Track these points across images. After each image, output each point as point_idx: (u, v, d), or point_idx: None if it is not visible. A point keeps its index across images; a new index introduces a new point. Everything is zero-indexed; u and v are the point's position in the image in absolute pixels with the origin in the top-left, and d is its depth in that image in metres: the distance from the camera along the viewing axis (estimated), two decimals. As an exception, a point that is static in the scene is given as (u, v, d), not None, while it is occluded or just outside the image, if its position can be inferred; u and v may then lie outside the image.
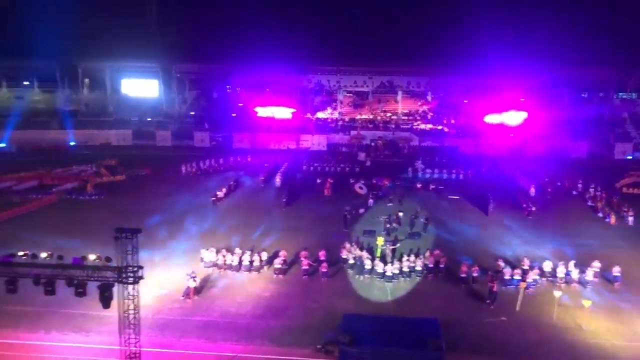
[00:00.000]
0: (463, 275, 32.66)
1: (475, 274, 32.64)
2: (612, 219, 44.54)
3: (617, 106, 80.00)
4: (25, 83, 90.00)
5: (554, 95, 78.91)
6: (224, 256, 34.10)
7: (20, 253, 22.89)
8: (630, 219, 44.16)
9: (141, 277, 21.09)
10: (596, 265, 33.38)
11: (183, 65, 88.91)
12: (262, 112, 79.64)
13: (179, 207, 47.05)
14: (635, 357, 26.00)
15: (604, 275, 33.44)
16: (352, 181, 54.77)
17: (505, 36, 74.46)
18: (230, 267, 33.87)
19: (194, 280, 30.67)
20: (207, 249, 34.68)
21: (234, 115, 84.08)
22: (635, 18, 78.15)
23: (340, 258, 35.00)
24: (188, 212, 45.57)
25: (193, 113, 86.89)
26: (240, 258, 34.05)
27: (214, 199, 48.34)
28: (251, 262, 33.90)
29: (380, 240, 36.35)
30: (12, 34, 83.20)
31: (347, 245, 36.27)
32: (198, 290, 30.89)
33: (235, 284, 32.51)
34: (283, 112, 79.44)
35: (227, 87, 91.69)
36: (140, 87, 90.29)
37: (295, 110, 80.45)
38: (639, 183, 55.39)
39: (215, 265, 34.02)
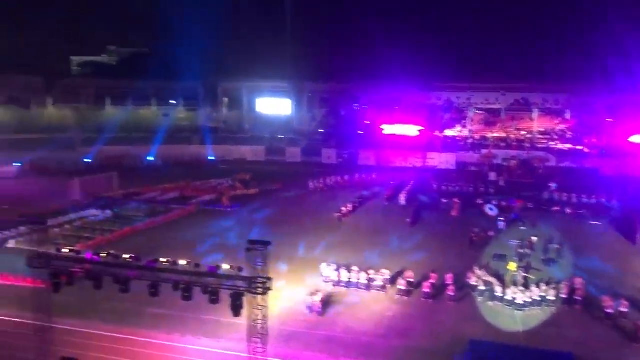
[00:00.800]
0: (609, 310, 29.63)
1: (623, 309, 29.68)
2: None
3: None
4: (172, 102, 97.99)
5: None
6: (349, 272, 34.28)
7: (163, 259, 24.71)
8: None
9: (269, 289, 21.84)
10: None
11: (314, 84, 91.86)
12: (389, 129, 79.61)
13: (305, 221, 48.31)
14: None
15: None
16: (481, 202, 52.75)
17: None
18: (352, 284, 33.92)
19: (318, 295, 31.16)
20: (328, 265, 35.01)
21: (360, 132, 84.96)
22: None
23: (468, 283, 33.72)
24: (314, 226, 46.63)
25: (322, 130, 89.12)
26: (368, 276, 34.00)
27: (339, 214, 49.01)
28: (373, 280, 33.76)
29: (512, 266, 34.48)
30: (161, 58, 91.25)
31: (476, 270, 34.88)
32: (322, 305, 31.29)
33: (358, 301, 32.52)
34: (410, 130, 78.80)
35: (355, 105, 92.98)
36: (274, 105, 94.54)
37: (422, 128, 79.49)
38: None
39: (336, 281, 34.21)
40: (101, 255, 25.16)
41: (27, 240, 34.43)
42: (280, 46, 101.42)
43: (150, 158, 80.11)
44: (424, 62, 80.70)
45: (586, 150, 73.62)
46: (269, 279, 21.63)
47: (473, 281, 33.38)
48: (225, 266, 23.45)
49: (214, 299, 22.12)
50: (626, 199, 54.22)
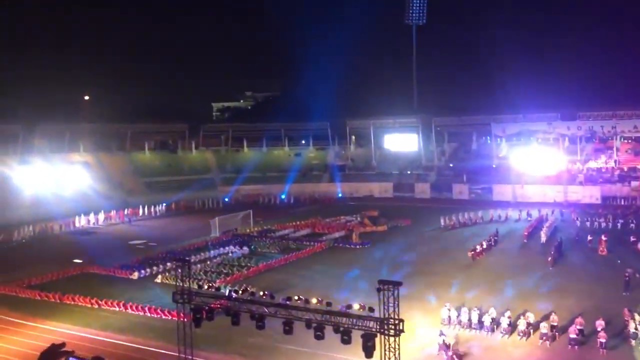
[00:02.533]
0: None
1: None
2: None
3: None
4: (302, 142, 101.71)
5: None
6: (483, 314, 32.46)
7: (295, 297, 25.20)
8: None
9: (402, 330, 21.30)
10: None
11: (441, 118, 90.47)
12: (524, 163, 75.68)
13: (436, 259, 46.92)
14: None
15: None
16: (633, 239, 47.91)
17: None
18: (486, 327, 31.99)
19: (445, 338, 29.73)
20: (447, 306, 33.23)
21: (494, 166, 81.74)
22: None
23: (620, 329, 30.44)
24: (446, 265, 45.10)
25: (452, 165, 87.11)
26: (508, 319, 31.97)
27: (472, 253, 47.00)
28: (514, 323, 31.62)
29: None
30: (292, 100, 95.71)
31: (627, 312, 31.47)
32: (454, 350, 29.84)
33: (496, 347, 30.58)
34: (548, 163, 74.32)
35: (487, 138, 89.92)
36: (401, 141, 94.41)
37: (563, 160, 74.72)
38: None
39: (467, 324, 32.35)
40: (239, 292, 26.24)
41: (172, 276, 37.11)
42: (406, 82, 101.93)
43: (283, 196, 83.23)
44: (561, 90, 76.50)
45: None
46: (401, 320, 21.12)
47: (631, 327, 30.00)
48: (356, 306, 23.32)
49: (346, 339, 21.99)
50: None
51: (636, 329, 29.76)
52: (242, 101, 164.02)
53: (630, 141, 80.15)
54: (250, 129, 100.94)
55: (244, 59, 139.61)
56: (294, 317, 23.43)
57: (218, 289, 34.17)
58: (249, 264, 46.01)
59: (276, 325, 24.73)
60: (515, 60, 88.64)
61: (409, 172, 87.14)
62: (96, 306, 36.61)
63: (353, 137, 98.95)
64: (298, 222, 62.63)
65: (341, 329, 22.06)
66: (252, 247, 52.65)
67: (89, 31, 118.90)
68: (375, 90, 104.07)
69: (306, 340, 26.05)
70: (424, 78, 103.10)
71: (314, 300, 31.03)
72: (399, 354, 21.48)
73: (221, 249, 51.36)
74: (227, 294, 31.51)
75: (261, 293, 33.90)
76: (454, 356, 28.78)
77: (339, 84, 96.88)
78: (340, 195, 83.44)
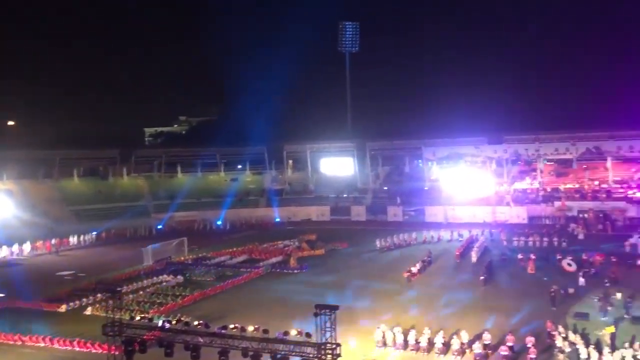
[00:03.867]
0: None
1: None
2: None
3: None
4: (239, 167, 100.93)
5: None
6: (418, 335, 32.94)
7: (231, 325, 24.76)
8: None
9: (339, 355, 21.31)
10: None
11: (375, 142, 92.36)
12: (454, 185, 78.20)
13: (373, 281, 47.37)
14: None
15: None
16: (559, 257, 50.21)
17: None
18: (418, 348, 32.45)
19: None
20: (381, 328, 33.51)
21: (426, 188, 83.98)
22: None
23: (549, 345, 31.66)
24: (383, 286, 45.62)
25: (386, 188, 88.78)
26: (442, 339, 32.56)
27: (408, 274, 47.82)
28: (448, 343, 32.26)
29: (610, 329, 32.10)
30: (228, 125, 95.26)
31: (550, 324, 32.95)
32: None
33: (432, 365, 31.10)
34: (477, 185, 77.08)
35: (419, 161, 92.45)
36: (337, 165, 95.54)
37: (490, 182, 77.71)
38: None
39: (393, 345, 32.62)
40: (172, 322, 25.51)
41: (103, 307, 35.61)
42: (342, 107, 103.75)
43: (219, 222, 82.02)
44: (487, 115, 79.96)
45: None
46: (338, 344, 21.14)
47: (557, 342, 31.25)
48: (294, 332, 23.17)
49: (284, 366, 21.78)
50: None
51: (562, 344, 31.03)
52: (176, 126, 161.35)
53: (552, 163, 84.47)
54: (184, 154, 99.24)
55: (178, 83, 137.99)
56: (230, 346, 23.00)
57: (151, 319, 33.10)
58: (183, 293, 44.82)
59: (212, 355, 24.17)
60: (445, 87, 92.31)
61: (345, 196, 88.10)
62: (19, 343, 34.51)
63: (290, 162, 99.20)
64: (235, 249, 61.79)
65: (278, 356, 21.85)
66: (187, 275, 51.40)
67: (14, 55, 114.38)
68: (312, 115, 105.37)
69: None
70: (358, 103, 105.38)
71: (250, 328, 30.54)
72: (338, 378, 21.46)
73: (154, 278, 49.88)
74: (160, 324, 30.53)
75: (196, 322, 33.05)
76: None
77: (275, 109, 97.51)
78: (277, 219, 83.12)
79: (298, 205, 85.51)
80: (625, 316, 35.80)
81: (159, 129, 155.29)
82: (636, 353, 29.33)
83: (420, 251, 56.75)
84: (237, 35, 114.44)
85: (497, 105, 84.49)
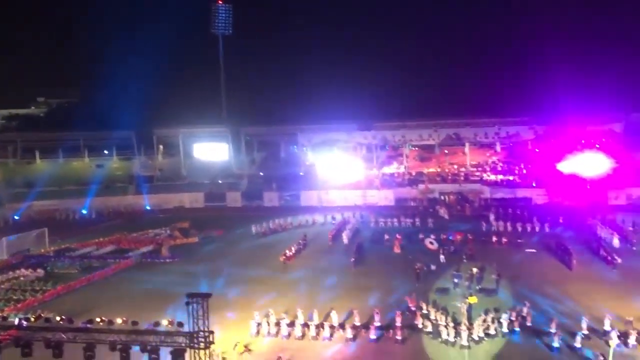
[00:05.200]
0: (555, 345, 30.25)
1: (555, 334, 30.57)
2: None
3: None
4: (105, 152, 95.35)
5: (632, 140, 75.14)
6: (292, 319, 33.58)
7: (98, 319, 23.53)
8: None
9: (212, 342, 21.10)
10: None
11: (251, 127, 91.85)
12: (328, 170, 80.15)
13: (249, 267, 47.41)
14: None
15: None
16: (422, 236, 53.57)
17: (577, 81, 72.48)
18: (296, 330, 33.19)
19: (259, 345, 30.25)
20: (256, 315, 34.04)
21: (301, 174, 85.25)
22: None
23: (414, 319, 33.82)
24: (258, 272, 45.83)
25: (262, 173, 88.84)
26: (314, 322, 33.45)
27: (283, 258, 48.47)
28: (321, 325, 33.25)
29: (472, 299, 34.84)
30: (92, 108, 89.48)
31: (410, 299, 35.49)
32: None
33: (306, 347, 31.87)
34: (349, 170, 79.58)
35: (294, 146, 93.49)
36: (211, 150, 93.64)
37: (361, 167, 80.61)
38: None
39: (276, 330, 33.21)
40: (31, 319, 23.69)
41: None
42: (215, 91, 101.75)
43: (84, 211, 77.24)
44: (358, 102, 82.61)
45: (517, 180, 76.54)
46: (211, 332, 20.90)
47: (419, 323, 33.38)
48: (165, 322, 22.54)
49: (155, 357, 21.10)
50: (559, 226, 56.52)
51: (423, 322, 33.27)
52: (33, 108, 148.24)
53: (416, 149, 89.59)
54: (43, 139, 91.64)
55: (35, 62, 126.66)
56: (97, 340, 21.84)
57: (6, 318, 30.48)
58: (44, 288, 41.77)
59: (78, 351, 22.82)
60: (318, 73, 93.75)
61: (220, 182, 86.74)
62: None
63: (161, 147, 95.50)
64: (101, 239, 58.58)
65: (148, 347, 21.13)
66: (48, 268, 47.97)
67: None
68: (184, 99, 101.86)
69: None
70: (233, 88, 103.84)
71: (118, 321, 29.20)
72: (209, 366, 21.25)
73: (10, 273, 45.92)
74: (16, 322, 28.19)
75: (58, 318, 30.94)
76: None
77: (144, 92, 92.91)
78: (148, 207, 79.89)
79: (170, 192, 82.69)
80: (477, 287, 39.16)
81: (14, 111, 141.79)
82: (489, 323, 32.27)
83: (295, 235, 57.63)
84: (102, 11, 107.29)
85: (368, 94, 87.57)
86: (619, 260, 43.50)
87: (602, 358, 27.85)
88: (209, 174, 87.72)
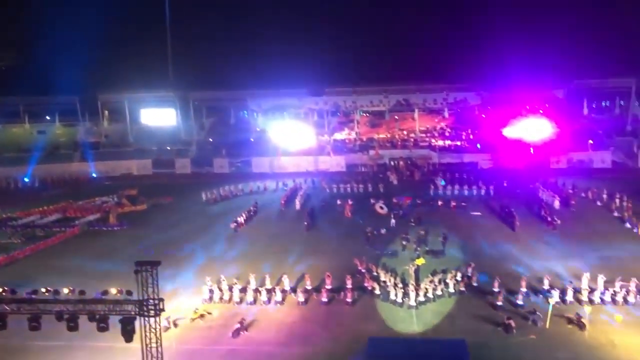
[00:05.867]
0: (498, 303, 31.65)
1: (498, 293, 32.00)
2: (640, 229, 43.49)
3: (638, 114, 78.42)
4: (47, 118, 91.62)
5: (573, 106, 77.80)
6: (244, 284, 33.77)
7: (43, 289, 23.00)
8: (660, 228, 43.11)
9: (162, 310, 21.00)
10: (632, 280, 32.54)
11: (199, 92, 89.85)
12: (280, 136, 79.68)
13: (199, 234, 47.10)
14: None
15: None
16: (372, 201, 54.36)
17: (521, 49, 73.89)
18: (250, 296, 33.46)
19: (214, 312, 30.41)
20: (208, 281, 34.09)
21: (252, 140, 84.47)
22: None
23: (363, 281, 34.61)
24: (209, 239, 45.62)
25: (211, 140, 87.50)
26: (266, 287, 33.76)
27: (234, 225, 48.34)
28: (272, 290, 33.60)
29: (420, 261, 35.82)
30: (32, 71, 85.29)
31: (358, 261, 36.33)
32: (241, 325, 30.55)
33: (258, 310, 32.22)
34: (300, 136, 79.29)
35: (245, 112, 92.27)
36: (159, 116, 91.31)
37: (312, 133, 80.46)
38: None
39: (220, 299, 33.39)
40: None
41: None
42: (162, 55, 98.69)
43: (26, 179, 74.41)
44: (309, 68, 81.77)
45: (465, 145, 78.27)
46: (161, 299, 20.78)
47: (369, 284, 34.18)
48: (113, 290, 22.25)
49: (103, 326, 20.86)
50: (503, 189, 58.37)
51: (372, 284, 34.08)
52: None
53: (367, 115, 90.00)
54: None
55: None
56: (42, 310, 21.36)
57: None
58: (-15, 259, 40.38)
59: (23, 323, 22.31)
60: (268, 38, 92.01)
61: (168, 148, 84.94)
62: None
63: (106, 112, 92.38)
64: (46, 207, 56.74)
65: (97, 316, 20.84)
66: (-12, 238, 46.34)
67: None
68: (130, 63, 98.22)
69: (60, 334, 23.97)
70: (180, 52, 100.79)
71: (65, 291, 28.68)
72: (160, 333, 21.18)
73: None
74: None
75: (0, 290, 30.06)
76: (236, 330, 29.29)
77: (88, 55, 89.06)
78: (94, 175, 77.64)
79: (117, 159, 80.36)
80: (425, 250, 40.30)
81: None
82: (436, 283, 33.38)
83: (246, 202, 57.37)
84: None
85: (319, 59, 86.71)
86: (559, 222, 45.51)
87: (540, 315, 29.41)
88: (156, 141, 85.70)
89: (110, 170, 77.88)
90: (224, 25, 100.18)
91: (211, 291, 33.48)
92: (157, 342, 21.19)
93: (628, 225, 45.21)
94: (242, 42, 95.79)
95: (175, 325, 29.77)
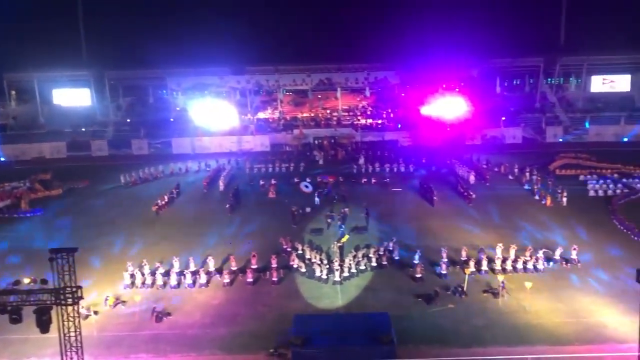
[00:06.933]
0: (417, 275, 32.91)
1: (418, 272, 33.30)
2: (548, 201, 46.32)
3: (547, 92, 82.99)
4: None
5: (487, 85, 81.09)
6: (166, 268, 33.23)
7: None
8: (564, 200, 46.07)
9: (81, 297, 20.31)
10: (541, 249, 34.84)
11: (115, 71, 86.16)
12: (201, 115, 78.02)
13: (119, 218, 45.61)
14: (575, 332, 27.13)
15: (552, 258, 34.82)
16: (296, 180, 54.59)
17: (438, 29, 75.90)
18: (173, 279, 33.00)
19: (137, 296, 29.82)
20: (129, 267, 33.39)
21: (172, 120, 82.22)
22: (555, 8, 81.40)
23: (289, 263, 34.91)
24: (130, 223, 44.29)
25: (129, 120, 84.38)
26: (193, 270, 33.38)
27: (155, 207, 47.13)
28: (197, 272, 33.26)
29: (345, 238, 36.45)
30: None
31: (299, 246, 36.58)
32: (146, 304, 29.97)
33: (183, 293, 31.84)
34: (222, 115, 78.01)
35: (164, 91, 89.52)
36: (72, 96, 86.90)
37: (235, 112, 79.37)
38: (571, 164, 57.72)
39: (142, 283, 32.75)
40: None
41: None
42: (74, 31, 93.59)
43: None
44: (231, 46, 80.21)
45: (386, 123, 79.88)
46: (79, 287, 20.06)
47: (294, 264, 34.54)
48: (26, 280, 21.24)
49: (15, 317, 19.89)
50: (422, 166, 60.26)
51: (299, 262, 34.49)
52: None
53: (291, 94, 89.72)
54: None
55: None
56: (-53, 305, 20.10)
57: None
58: None
59: None
60: (188, 13, 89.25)
61: (83, 129, 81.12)
62: None
63: (13, 93, 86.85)
64: (-52, 195, 52.95)
65: (9, 308, 19.84)
66: None
67: None
68: (39, 41, 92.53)
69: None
70: (94, 29, 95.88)
71: (-27, 282, 27.15)
72: (79, 322, 20.50)
73: None
74: None
75: None
76: (156, 316, 28.79)
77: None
78: (2, 159, 73.09)
79: (27, 142, 75.85)
80: (349, 226, 41.11)
81: None
82: (359, 259, 34.24)
83: (168, 184, 55.92)
84: None
85: (239, 37, 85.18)
86: (474, 196, 47.66)
87: (460, 288, 30.96)
88: (70, 122, 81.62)
89: (21, 154, 73.52)
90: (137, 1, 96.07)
91: (132, 276, 32.69)
92: (75, 331, 20.48)
93: (537, 197, 48.05)
94: (160, 17, 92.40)
95: (96, 313, 28.91)
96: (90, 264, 34.76)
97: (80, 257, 21.92)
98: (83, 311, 26.21)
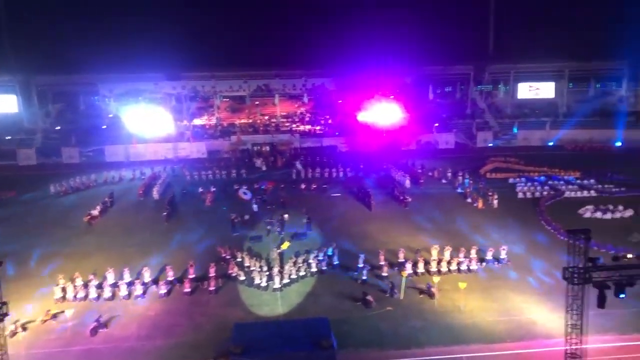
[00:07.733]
0: (364, 277, 33.46)
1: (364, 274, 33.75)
2: (479, 204, 48.04)
3: (477, 98, 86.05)
4: None
5: (420, 92, 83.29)
6: (101, 280, 32.19)
7: None
8: (495, 202, 47.93)
9: (6, 314, 19.36)
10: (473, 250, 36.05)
11: (43, 77, 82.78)
12: (135, 122, 76.06)
13: (49, 230, 43.73)
14: (507, 330, 28.25)
15: (484, 258, 36.09)
16: (236, 187, 54.10)
17: (373, 37, 77.34)
18: (106, 292, 32.03)
19: (68, 311, 28.71)
20: (61, 280, 32.21)
21: (104, 127, 79.73)
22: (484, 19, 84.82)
23: (228, 272, 34.57)
24: (61, 234, 42.55)
25: (59, 128, 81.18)
26: (127, 282, 32.44)
27: (88, 218, 45.50)
28: (132, 284, 32.38)
29: (285, 245, 36.35)
30: None
31: (221, 249, 36.62)
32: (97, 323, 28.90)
33: (117, 305, 30.91)
34: (157, 122, 76.34)
35: (96, 97, 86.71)
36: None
37: (170, 118, 77.85)
38: (500, 168, 60.10)
39: (74, 297, 31.66)
40: None
41: None
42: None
43: None
44: (166, 51, 78.72)
45: (324, 129, 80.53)
46: (4, 303, 19.13)
47: (233, 272, 34.22)
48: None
49: None
50: (360, 171, 61.11)
51: (238, 272, 34.22)
52: None
53: (228, 100, 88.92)
54: None
55: None
56: None
57: None
58: None
59: None
60: (121, 17, 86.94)
61: (9, 138, 77.36)
62: None
63: None
64: None
65: None
66: None
67: None
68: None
69: None
70: (19, 32, 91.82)
71: None
72: (5, 339, 19.53)
73: None
74: None
75: None
76: (93, 328, 27.82)
77: None
78: None
79: (-53, 151, 71.73)
80: (289, 233, 41.15)
81: None
82: (300, 264, 34.33)
83: (101, 193, 54.16)
84: None
85: (174, 42, 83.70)
86: (410, 200, 48.78)
87: (392, 285, 31.65)
88: (-5, 130, 77.72)
89: (-60, 164, 69.27)
90: (67, 1, 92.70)
91: (64, 290, 31.44)
92: (1, 350, 19.49)
93: (469, 200, 49.72)
94: (90, 21, 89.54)
95: (25, 329, 27.60)
96: (19, 278, 33.16)
97: (6, 270, 20.92)
98: (10, 328, 24.97)
